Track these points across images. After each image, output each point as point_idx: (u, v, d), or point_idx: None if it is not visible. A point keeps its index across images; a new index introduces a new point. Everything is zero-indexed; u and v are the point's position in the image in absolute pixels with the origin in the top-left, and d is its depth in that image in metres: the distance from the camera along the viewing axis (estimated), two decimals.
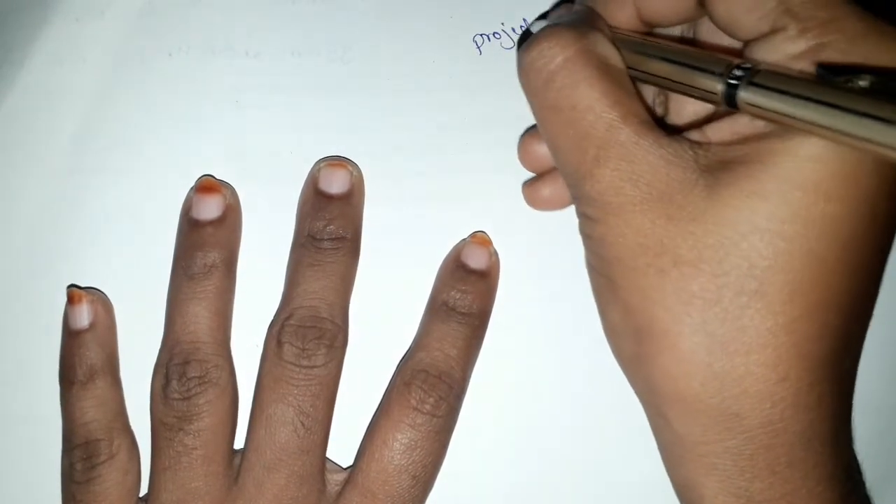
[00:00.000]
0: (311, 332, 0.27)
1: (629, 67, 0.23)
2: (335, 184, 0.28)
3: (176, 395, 0.26)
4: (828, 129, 0.18)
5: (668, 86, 0.22)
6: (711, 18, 0.22)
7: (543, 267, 0.29)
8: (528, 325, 0.29)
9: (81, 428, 0.27)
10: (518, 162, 0.28)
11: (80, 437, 0.27)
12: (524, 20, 0.30)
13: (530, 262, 0.29)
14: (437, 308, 0.28)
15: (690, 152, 0.21)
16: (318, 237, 0.27)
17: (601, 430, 0.29)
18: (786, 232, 0.19)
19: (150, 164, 0.29)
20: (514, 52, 0.30)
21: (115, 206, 0.29)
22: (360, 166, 0.29)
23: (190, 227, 0.28)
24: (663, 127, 0.22)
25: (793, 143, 0.19)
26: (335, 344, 0.27)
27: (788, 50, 0.20)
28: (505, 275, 0.29)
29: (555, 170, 0.27)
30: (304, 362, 0.26)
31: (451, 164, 0.29)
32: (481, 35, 0.30)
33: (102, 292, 0.29)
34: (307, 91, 0.30)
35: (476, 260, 0.28)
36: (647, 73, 0.22)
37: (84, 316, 0.28)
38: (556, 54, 0.22)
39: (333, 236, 0.27)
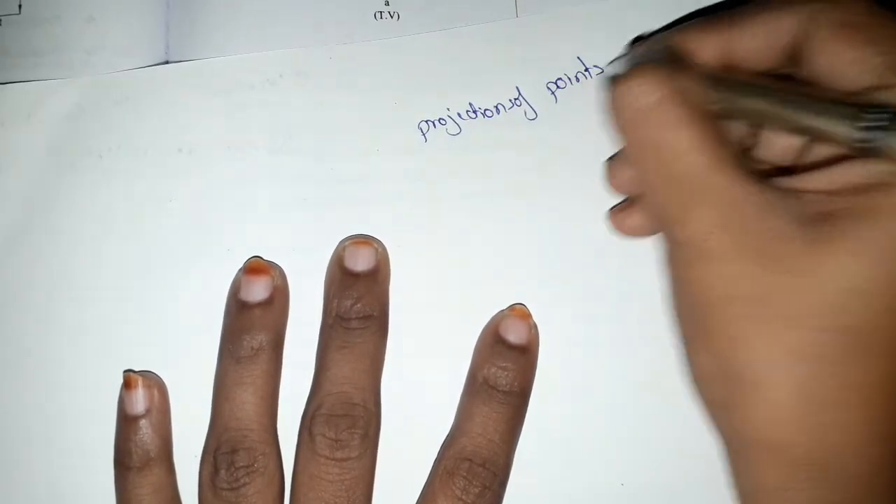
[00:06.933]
0: (344, 420, 0.26)
1: (732, 107, 0.22)
2: (360, 261, 0.28)
3: (224, 485, 0.26)
4: None
5: (781, 127, 0.22)
6: (809, 68, 0.21)
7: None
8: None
9: None
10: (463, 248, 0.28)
11: None
12: (470, 104, 0.29)
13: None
14: (478, 387, 0.27)
15: (786, 201, 0.20)
16: (345, 317, 0.27)
17: None
18: (889, 292, 0.19)
19: (82, 269, 0.29)
20: (459, 138, 0.29)
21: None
22: (304, 257, 0.29)
23: (238, 310, 0.28)
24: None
25: None
26: (369, 432, 0.26)
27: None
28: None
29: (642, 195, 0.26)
30: (339, 454, 0.26)
31: (405, 254, 0.29)
32: (426, 122, 0.29)
33: (157, 375, 0.29)
34: (246, 184, 0.29)
35: (516, 334, 0.27)
36: (757, 113, 0.22)
37: (140, 402, 0.28)
38: (651, 92, 0.21)
39: (361, 315, 0.27)
